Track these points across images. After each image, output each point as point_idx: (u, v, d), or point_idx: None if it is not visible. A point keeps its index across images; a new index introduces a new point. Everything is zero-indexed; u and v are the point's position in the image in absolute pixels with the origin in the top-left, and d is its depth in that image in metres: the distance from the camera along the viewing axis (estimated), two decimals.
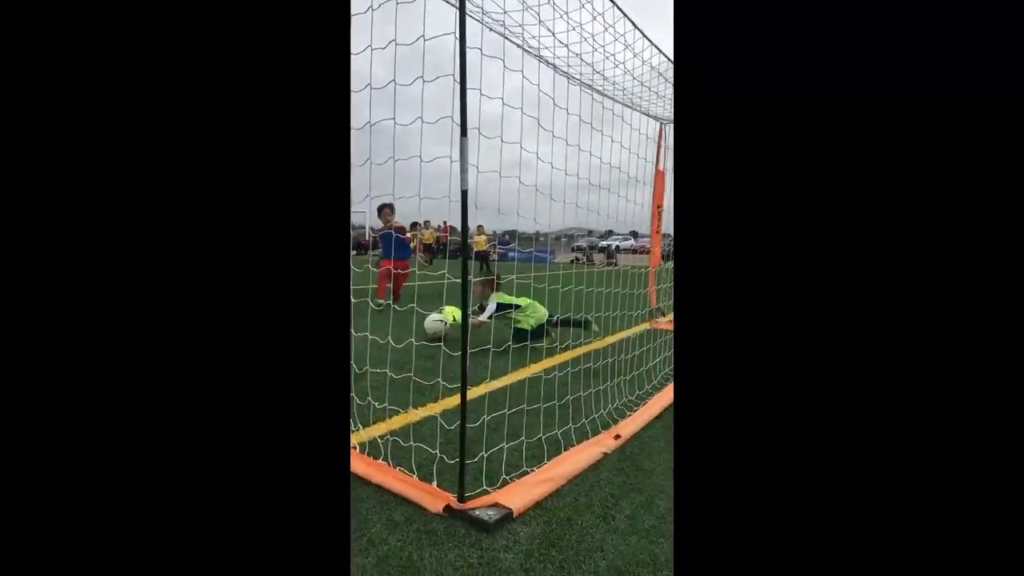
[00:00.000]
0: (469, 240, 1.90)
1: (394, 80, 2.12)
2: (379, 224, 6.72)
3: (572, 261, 17.49)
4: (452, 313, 4.77)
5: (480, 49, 2.02)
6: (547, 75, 2.29)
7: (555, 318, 4.99)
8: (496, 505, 2.04)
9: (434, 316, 4.66)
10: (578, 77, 3.06)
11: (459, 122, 1.85)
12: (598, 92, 3.27)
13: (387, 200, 2.28)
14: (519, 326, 4.75)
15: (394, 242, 6.66)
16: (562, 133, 2.47)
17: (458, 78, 1.86)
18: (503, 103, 2.10)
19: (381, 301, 6.06)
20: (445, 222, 11.41)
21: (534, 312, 4.87)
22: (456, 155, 2.03)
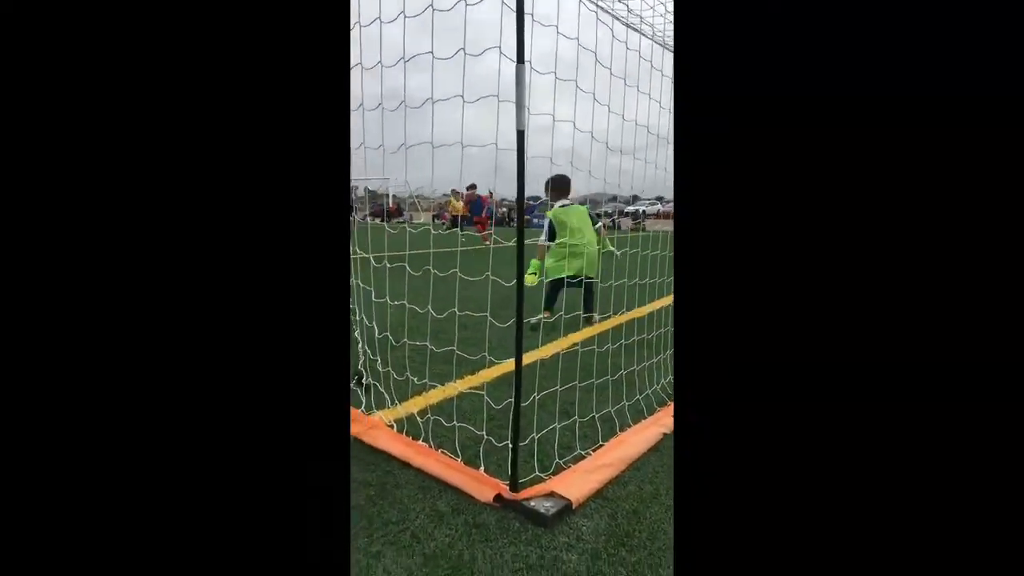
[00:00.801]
0: (455, 200, 1.61)
1: (432, 6, 1.81)
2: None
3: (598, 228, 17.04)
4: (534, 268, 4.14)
5: None
6: (570, 21, 1.88)
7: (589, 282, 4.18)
8: (552, 495, 1.81)
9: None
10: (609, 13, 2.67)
11: (514, 54, 1.55)
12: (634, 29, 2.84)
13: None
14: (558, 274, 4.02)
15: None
16: (589, 89, 2.10)
17: (513, 5, 1.55)
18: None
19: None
20: (491, 191, 11.10)
21: (571, 245, 3.94)
22: (504, 95, 1.74)
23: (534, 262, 4.11)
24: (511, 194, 1.76)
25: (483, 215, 13.02)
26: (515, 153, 1.59)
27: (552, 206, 4.16)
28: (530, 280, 3.96)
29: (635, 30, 2.82)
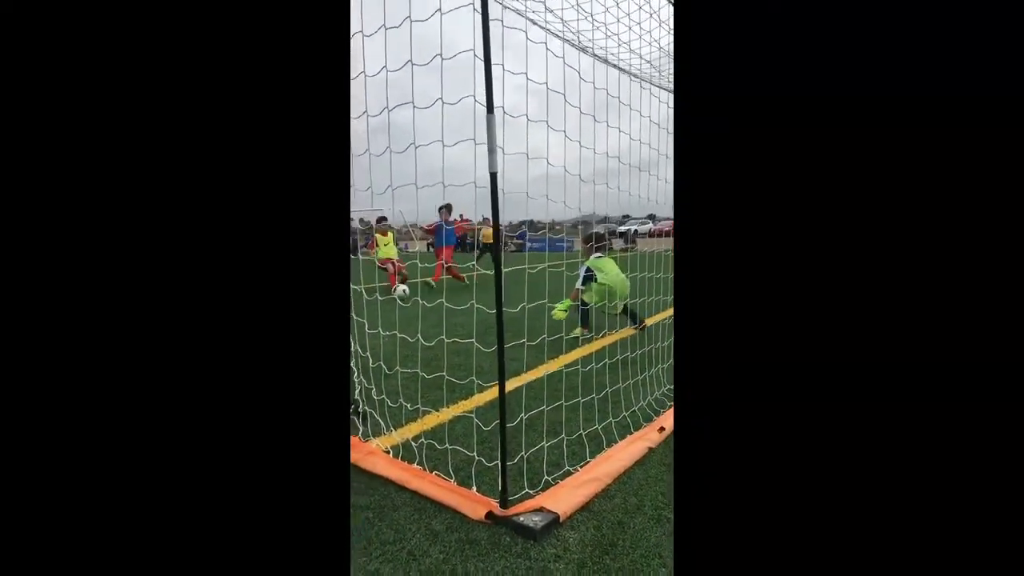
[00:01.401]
0: (478, 228, 1.76)
1: (411, 61, 1.97)
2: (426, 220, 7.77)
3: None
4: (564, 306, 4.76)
5: (501, 21, 1.86)
6: (554, 61, 2.07)
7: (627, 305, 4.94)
8: (541, 510, 1.91)
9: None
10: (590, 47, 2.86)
11: (483, 101, 1.71)
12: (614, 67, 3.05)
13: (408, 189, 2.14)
14: (583, 297, 4.71)
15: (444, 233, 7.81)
16: (574, 119, 2.29)
17: (481, 54, 1.71)
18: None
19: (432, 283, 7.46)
20: (462, 215, 11.19)
21: (609, 285, 4.71)
22: (481, 137, 1.89)
23: (567, 301, 4.75)
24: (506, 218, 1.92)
25: (445, 246, 8.11)
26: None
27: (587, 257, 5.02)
28: (560, 315, 4.63)
29: (603, 62, 3.00)
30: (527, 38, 2.10)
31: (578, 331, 4.94)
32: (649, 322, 4.61)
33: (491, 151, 1.69)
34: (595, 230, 5.08)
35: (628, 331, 4.76)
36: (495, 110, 1.71)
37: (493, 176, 1.71)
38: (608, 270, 4.88)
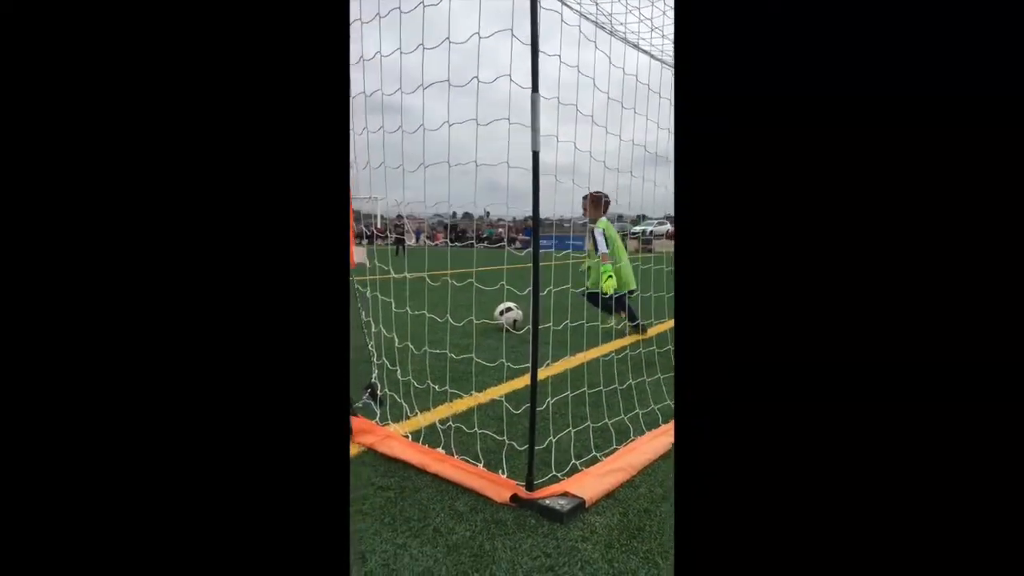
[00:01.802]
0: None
1: (448, 39, 1.98)
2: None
3: None
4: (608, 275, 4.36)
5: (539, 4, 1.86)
6: (570, 49, 2.05)
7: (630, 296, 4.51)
8: (566, 494, 1.88)
9: (503, 307, 4.41)
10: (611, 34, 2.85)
11: (519, 81, 1.70)
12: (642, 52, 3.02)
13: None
14: (603, 287, 4.30)
15: None
16: (587, 111, 2.25)
17: (526, 39, 1.71)
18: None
19: None
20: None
21: (622, 275, 4.34)
22: (516, 117, 1.89)
23: (606, 267, 4.33)
24: (507, 214, 1.91)
25: None
26: (512, 171, 1.78)
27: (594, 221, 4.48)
28: (609, 286, 4.25)
29: (634, 47, 2.98)
30: (562, 21, 2.10)
31: (612, 321, 4.54)
32: (667, 325, 4.54)
33: (534, 130, 1.68)
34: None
35: (659, 327, 4.59)
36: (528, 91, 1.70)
37: (535, 155, 1.70)
38: (619, 245, 4.50)
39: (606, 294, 4.32)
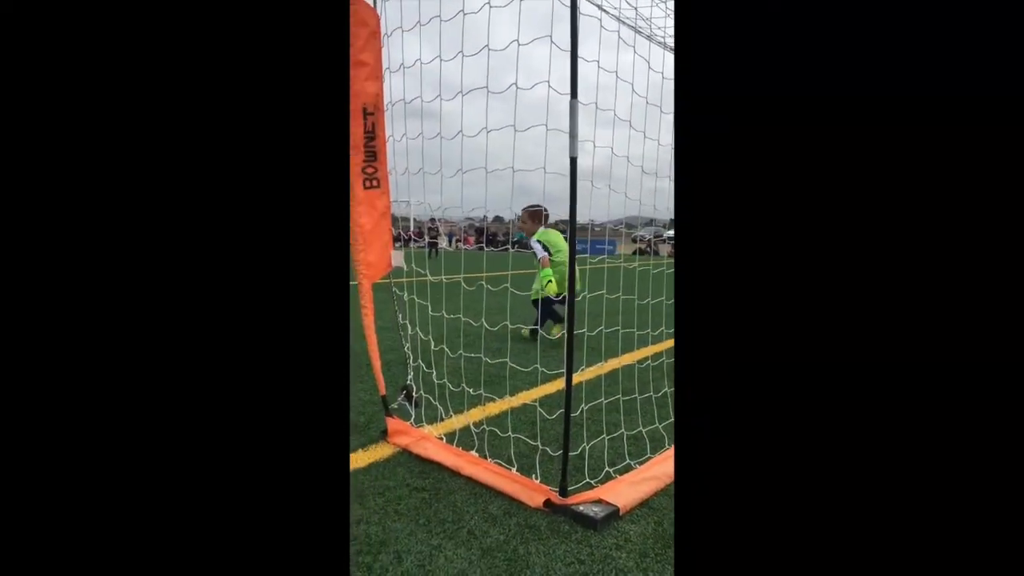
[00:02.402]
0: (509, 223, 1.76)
1: (461, 53, 2.00)
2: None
3: (635, 252, 16.70)
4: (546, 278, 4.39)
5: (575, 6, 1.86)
6: (607, 53, 2.04)
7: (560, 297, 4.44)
8: (600, 501, 1.87)
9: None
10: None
11: (559, 88, 1.71)
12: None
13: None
14: (545, 293, 4.31)
15: None
16: (624, 115, 2.24)
17: (564, 44, 1.71)
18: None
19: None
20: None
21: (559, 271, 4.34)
22: (553, 123, 1.89)
23: (545, 272, 4.41)
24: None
25: None
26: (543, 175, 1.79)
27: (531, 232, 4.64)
28: (551, 289, 4.32)
29: (672, 50, 2.95)
30: (601, 26, 2.09)
31: (556, 330, 4.56)
32: None
33: (572, 136, 1.69)
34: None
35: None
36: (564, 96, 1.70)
37: (573, 161, 1.71)
38: (560, 246, 4.51)
39: (551, 295, 4.36)
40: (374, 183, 2.30)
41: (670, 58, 2.64)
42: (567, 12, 1.71)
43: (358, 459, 2.26)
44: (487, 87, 2.03)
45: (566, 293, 4.22)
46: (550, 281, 4.34)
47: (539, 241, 4.49)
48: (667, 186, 2.70)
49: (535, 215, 4.63)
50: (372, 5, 2.19)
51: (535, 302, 4.53)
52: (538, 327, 4.31)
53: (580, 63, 1.75)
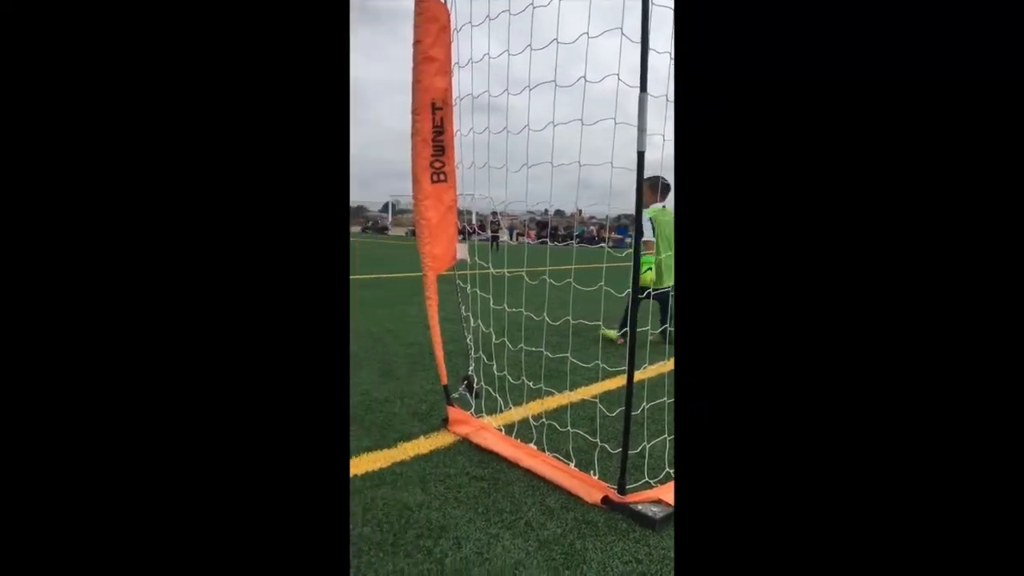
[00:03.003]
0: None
1: (530, 46, 1.99)
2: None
3: None
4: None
5: None
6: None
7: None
8: (659, 502, 1.84)
9: None
10: None
11: (628, 81, 1.68)
12: None
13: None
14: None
15: None
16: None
17: (636, 37, 1.68)
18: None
19: None
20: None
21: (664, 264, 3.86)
22: (621, 117, 1.86)
23: (647, 259, 3.95)
24: (599, 211, 1.90)
25: None
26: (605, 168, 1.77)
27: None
28: (648, 279, 3.88)
29: None
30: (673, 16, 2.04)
31: (613, 334, 4.13)
32: None
33: (640, 130, 1.66)
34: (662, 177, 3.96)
35: None
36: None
37: (640, 155, 1.68)
38: (667, 228, 3.95)
39: (648, 286, 3.88)
40: (441, 177, 2.34)
41: None
42: (638, 3, 1.67)
43: (420, 446, 2.32)
44: (555, 81, 2.03)
45: (660, 286, 4.08)
46: (649, 269, 3.90)
47: (650, 219, 3.97)
48: None
49: (651, 185, 4.00)
50: (443, 1, 2.22)
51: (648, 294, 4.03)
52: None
53: (651, 55, 1.71)
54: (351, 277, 9.69)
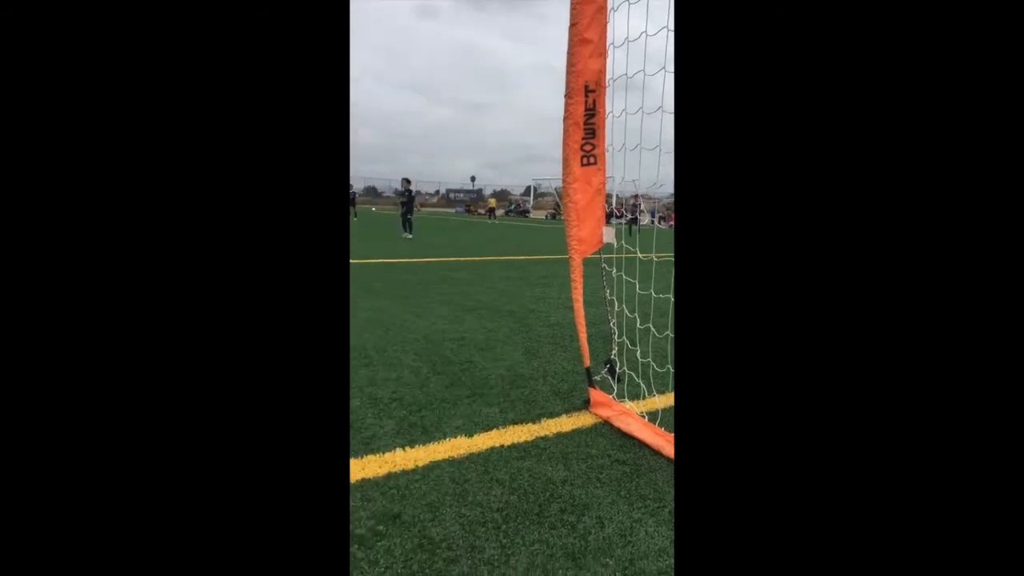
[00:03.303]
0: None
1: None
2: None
3: None
4: None
5: None
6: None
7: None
8: None
9: None
10: None
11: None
12: None
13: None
14: None
15: None
16: None
17: None
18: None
19: None
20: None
21: None
22: None
23: None
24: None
25: None
26: None
27: None
28: None
29: None
30: None
31: None
32: None
33: None
34: None
35: None
36: None
37: None
38: None
39: None
40: (591, 160, 2.34)
41: None
42: None
43: (562, 423, 2.38)
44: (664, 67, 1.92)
45: None
46: None
47: None
48: None
49: None
50: None
51: None
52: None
53: None
54: (495, 259, 10.01)
